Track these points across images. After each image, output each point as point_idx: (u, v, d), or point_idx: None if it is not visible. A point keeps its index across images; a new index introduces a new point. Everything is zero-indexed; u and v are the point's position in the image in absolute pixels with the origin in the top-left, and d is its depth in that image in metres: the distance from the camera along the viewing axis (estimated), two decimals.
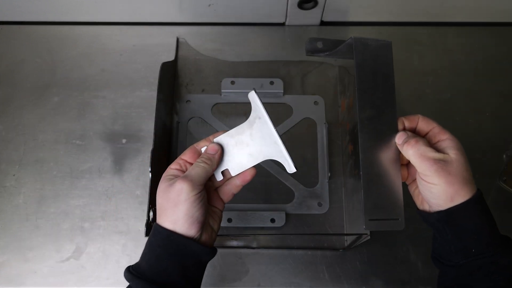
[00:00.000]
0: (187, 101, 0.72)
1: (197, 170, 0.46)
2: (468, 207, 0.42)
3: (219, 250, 0.63)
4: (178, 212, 0.44)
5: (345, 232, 0.64)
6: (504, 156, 0.67)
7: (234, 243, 0.63)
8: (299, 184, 0.66)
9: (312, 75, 0.73)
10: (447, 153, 0.44)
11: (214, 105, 0.71)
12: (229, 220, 0.63)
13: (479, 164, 0.67)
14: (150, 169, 0.57)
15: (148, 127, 0.69)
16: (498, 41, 0.75)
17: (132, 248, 0.63)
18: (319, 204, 0.65)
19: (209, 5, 0.72)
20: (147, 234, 0.54)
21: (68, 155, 0.68)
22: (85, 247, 0.63)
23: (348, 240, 0.61)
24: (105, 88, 0.72)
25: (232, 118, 0.70)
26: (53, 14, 0.75)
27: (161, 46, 0.75)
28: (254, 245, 0.63)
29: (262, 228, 0.64)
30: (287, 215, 0.64)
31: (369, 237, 0.52)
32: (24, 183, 0.67)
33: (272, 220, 0.63)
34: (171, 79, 0.72)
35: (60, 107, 0.71)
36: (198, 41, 0.76)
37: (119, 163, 0.68)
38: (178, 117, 0.70)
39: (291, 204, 0.65)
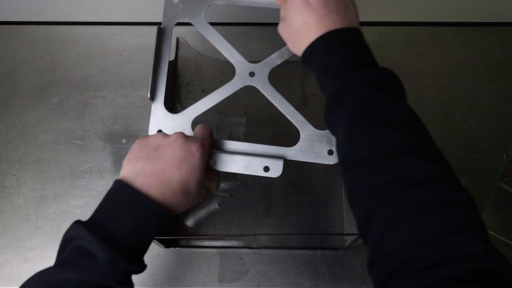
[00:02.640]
0: None
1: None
2: (314, 48, 0.45)
3: (219, 250, 0.63)
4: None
5: (345, 232, 0.64)
6: (504, 156, 0.67)
7: (234, 243, 0.63)
8: (308, 123, 0.52)
9: (312, 75, 0.73)
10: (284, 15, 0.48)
11: (208, 7, 0.56)
12: (211, 163, 0.49)
13: (479, 164, 0.67)
14: None
15: (148, 127, 0.69)
16: (498, 41, 0.75)
17: None
18: (330, 152, 0.51)
19: (209, 5, 0.72)
20: None
21: (68, 155, 0.68)
22: None
23: (348, 240, 0.61)
24: (105, 88, 0.72)
25: (232, 118, 0.70)
26: (53, 14, 0.75)
27: None
28: (254, 245, 0.63)
29: (254, 177, 0.52)
30: (286, 163, 0.50)
31: None
32: (24, 183, 0.67)
33: (266, 169, 0.49)
34: (171, 79, 0.72)
35: (60, 107, 0.71)
36: (198, 41, 0.76)
37: (119, 163, 0.68)
38: (163, 20, 0.56)
39: (293, 148, 0.51)
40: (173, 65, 0.72)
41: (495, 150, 0.68)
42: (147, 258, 0.62)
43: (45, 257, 0.63)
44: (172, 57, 0.73)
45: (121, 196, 0.42)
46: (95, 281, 0.38)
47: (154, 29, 0.77)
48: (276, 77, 0.73)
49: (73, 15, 0.76)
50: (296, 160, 0.51)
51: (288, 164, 0.67)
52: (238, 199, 0.66)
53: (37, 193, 0.66)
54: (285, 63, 0.74)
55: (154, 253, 0.63)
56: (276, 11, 0.54)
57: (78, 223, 0.40)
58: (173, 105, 0.71)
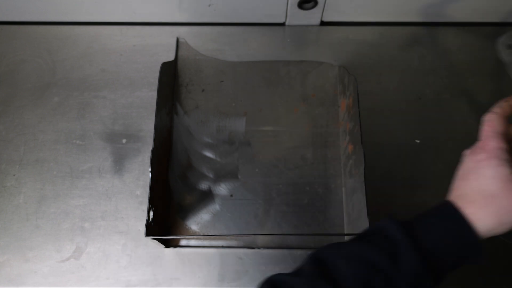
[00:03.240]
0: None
1: None
2: None
3: (219, 250, 0.63)
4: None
5: (344, 232, 0.64)
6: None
7: (234, 243, 0.63)
8: None
9: (312, 75, 0.73)
10: None
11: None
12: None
13: None
14: (150, 169, 0.57)
15: (148, 127, 0.69)
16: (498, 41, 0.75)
17: (132, 248, 0.63)
18: None
19: (209, 5, 0.72)
20: (147, 234, 0.54)
21: (68, 155, 0.68)
22: (85, 247, 0.63)
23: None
24: (105, 88, 0.72)
25: (232, 118, 0.70)
26: (53, 14, 0.75)
27: (161, 46, 0.75)
28: (254, 245, 0.63)
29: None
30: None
31: None
32: (25, 183, 0.67)
33: None
34: (171, 79, 0.72)
35: (60, 107, 0.71)
36: (198, 41, 0.76)
37: (119, 163, 0.68)
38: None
39: None
40: (173, 65, 0.72)
41: None
42: (147, 258, 0.62)
43: (45, 257, 0.63)
44: (172, 57, 0.73)
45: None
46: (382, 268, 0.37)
47: (154, 29, 0.78)
48: (276, 77, 0.73)
49: (73, 15, 0.76)
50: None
51: (287, 164, 0.67)
52: (238, 199, 0.66)
53: (37, 193, 0.66)
54: (285, 62, 0.74)
55: (155, 253, 0.63)
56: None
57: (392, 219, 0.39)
58: (173, 105, 0.71)
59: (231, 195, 0.66)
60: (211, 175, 0.67)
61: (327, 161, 0.67)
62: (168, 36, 0.76)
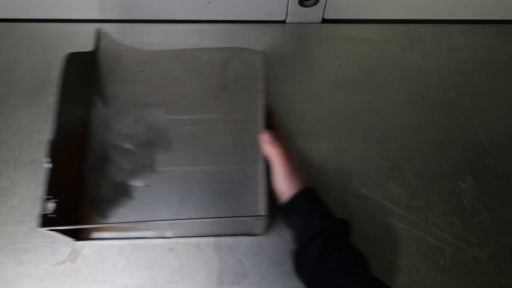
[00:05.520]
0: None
1: None
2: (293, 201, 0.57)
3: (217, 253, 0.62)
4: None
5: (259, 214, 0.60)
6: None
7: (149, 233, 0.62)
8: None
9: (234, 61, 0.69)
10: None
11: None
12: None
13: (485, 164, 0.66)
14: (47, 160, 0.56)
15: None
16: (503, 39, 0.74)
17: (129, 251, 0.62)
18: None
19: (208, 2, 0.71)
20: (42, 225, 0.54)
21: None
22: (81, 249, 0.62)
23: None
24: None
25: (151, 108, 0.69)
26: (48, 11, 0.74)
27: (158, 44, 0.74)
28: (168, 235, 0.62)
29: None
30: None
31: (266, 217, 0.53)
32: (19, 184, 0.65)
33: None
34: (89, 71, 0.67)
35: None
36: (197, 39, 0.75)
37: None
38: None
39: None
40: (92, 56, 0.68)
41: (501, 151, 0.67)
42: (145, 261, 0.61)
43: (40, 260, 0.61)
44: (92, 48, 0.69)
45: None
46: None
47: (152, 26, 0.76)
48: (198, 65, 0.69)
49: (69, 12, 0.75)
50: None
51: (205, 153, 0.62)
52: (155, 190, 0.62)
53: (32, 194, 0.65)
54: (208, 50, 0.69)
55: (153, 256, 0.61)
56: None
57: None
58: (91, 98, 0.67)
59: (148, 186, 0.62)
60: (128, 166, 0.63)
61: (247, 147, 0.63)
62: (167, 34, 0.75)
